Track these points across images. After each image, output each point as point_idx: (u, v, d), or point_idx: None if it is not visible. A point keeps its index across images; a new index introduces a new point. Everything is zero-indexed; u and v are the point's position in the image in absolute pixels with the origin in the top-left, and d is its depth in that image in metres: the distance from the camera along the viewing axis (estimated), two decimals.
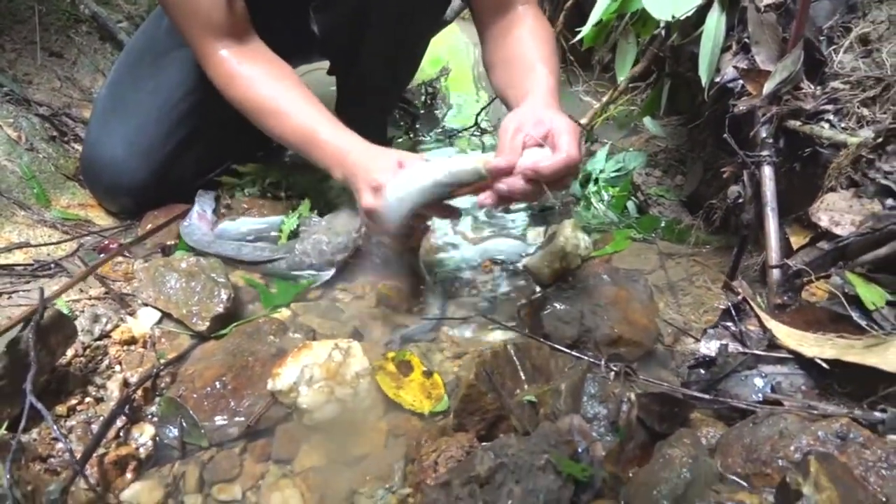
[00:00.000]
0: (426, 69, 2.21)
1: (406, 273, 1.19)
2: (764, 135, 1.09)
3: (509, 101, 1.16)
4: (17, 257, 1.15)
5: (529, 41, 1.19)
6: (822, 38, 1.11)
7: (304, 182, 1.42)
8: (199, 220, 1.29)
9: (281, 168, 1.44)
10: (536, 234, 1.33)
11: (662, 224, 1.42)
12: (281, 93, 1.15)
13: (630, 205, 1.48)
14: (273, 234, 1.29)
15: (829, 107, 1.05)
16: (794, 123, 1.07)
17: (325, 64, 1.50)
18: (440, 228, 1.42)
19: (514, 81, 1.16)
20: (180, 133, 1.31)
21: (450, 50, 2.52)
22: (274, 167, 1.44)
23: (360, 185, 1.05)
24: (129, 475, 0.84)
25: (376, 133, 1.58)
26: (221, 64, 1.16)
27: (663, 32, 1.53)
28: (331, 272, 1.20)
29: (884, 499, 0.71)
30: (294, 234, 1.26)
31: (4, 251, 1.15)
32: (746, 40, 1.15)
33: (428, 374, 0.99)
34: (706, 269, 1.26)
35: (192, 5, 1.11)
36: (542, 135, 0.92)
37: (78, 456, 0.78)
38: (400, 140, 1.89)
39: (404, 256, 1.19)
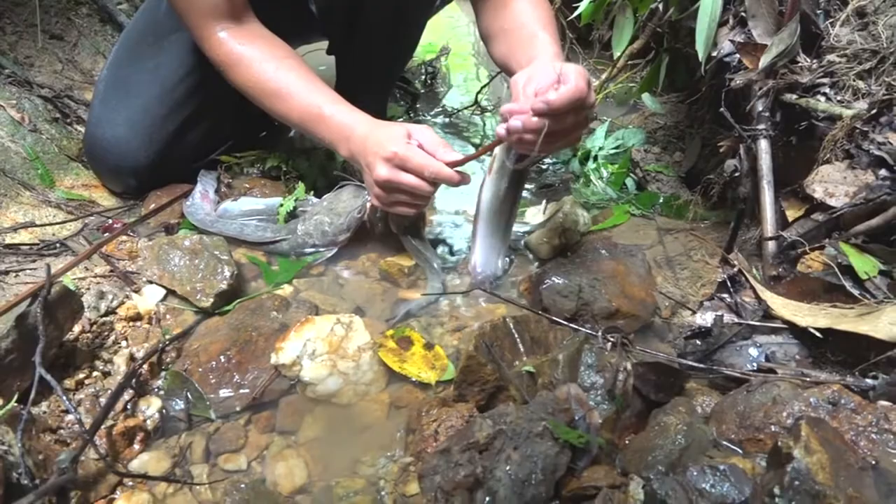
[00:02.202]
0: (426, 49, 2.21)
1: (409, 246, 1.21)
2: (760, 108, 1.10)
3: (512, 69, 1.15)
4: (23, 237, 1.16)
5: (529, 10, 1.20)
6: (818, 11, 1.11)
7: (304, 165, 1.43)
8: (201, 199, 1.30)
9: (281, 151, 1.45)
10: (536, 211, 1.33)
11: (661, 200, 1.43)
12: (283, 72, 1.15)
13: (629, 181, 1.49)
14: (274, 215, 1.30)
15: (826, 80, 1.06)
16: (791, 97, 1.08)
17: (325, 44, 1.50)
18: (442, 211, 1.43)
19: (517, 50, 1.16)
20: (182, 113, 1.31)
21: (450, 29, 2.52)
22: (275, 150, 1.44)
23: (369, 158, 1.06)
24: (136, 446, 0.87)
25: (377, 113, 1.59)
26: (220, 45, 1.16)
27: (661, 7, 1.53)
28: (334, 250, 1.21)
29: (873, 461, 0.73)
30: (292, 216, 1.27)
31: (10, 231, 1.16)
32: (743, 14, 1.15)
33: (429, 346, 1.01)
34: (704, 243, 1.27)
35: None
36: (554, 79, 0.90)
37: (87, 426, 0.80)
38: (400, 119, 1.90)
39: (409, 230, 1.21)
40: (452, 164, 1.02)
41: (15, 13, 1.66)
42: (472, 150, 1.17)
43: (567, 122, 0.90)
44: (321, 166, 1.45)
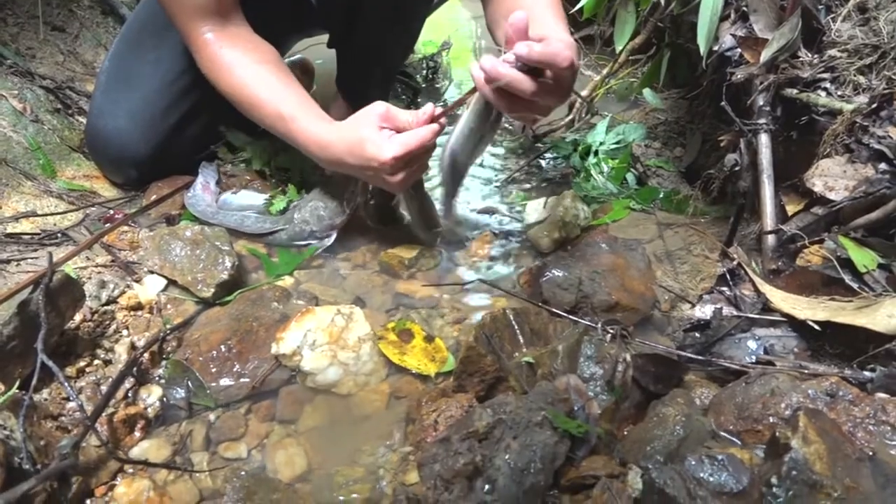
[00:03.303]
0: (428, 43, 2.21)
1: (416, 217, 1.23)
2: (761, 103, 1.10)
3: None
4: (25, 227, 1.17)
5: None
6: (819, 6, 1.12)
7: (288, 163, 1.42)
8: (202, 190, 1.30)
9: (268, 148, 1.44)
10: (537, 205, 1.34)
11: (661, 195, 1.43)
12: (258, 78, 1.14)
13: (629, 176, 1.49)
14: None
15: (826, 75, 1.06)
16: (791, 91, 1.08)
17: (326, 38, 1.50)
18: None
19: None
20: (183, 105, 1.32)
21: (451, 24, 2.51)
22: (262, 148, 1.43)
23: (368, 172, 1.08)
24: (137, 433, 0.87)
25: None
26: (205, 47, 1.15)
27: (662, 2, 1.53)
28: (332, 237, 1.21)
29: (870, 452, 0.73)
30: (284, 210, 1.28)
31: (12, 220, 1.16)
32: (745, 8, 1.15)
33: (429, 339, 1.01)
34: (704, 238, 1.27)
35: None
36: (538, 37, 0.92)
37: (89, 413, 0.80)
38: None
39: (412, 201, 1.22)
40: (436, 117, 1.04)
41: (17, 4, 1.66)
42: None
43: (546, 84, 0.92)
44: (306, 161, 1.43)
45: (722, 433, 0.81)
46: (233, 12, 1.17)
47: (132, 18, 1.44)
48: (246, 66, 1.15)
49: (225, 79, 1.16)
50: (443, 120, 1.05)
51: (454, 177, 1.12)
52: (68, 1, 1.79)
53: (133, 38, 1.36)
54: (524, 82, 0.90)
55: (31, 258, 1.09)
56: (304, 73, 1.84)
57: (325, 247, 1.21)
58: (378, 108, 1.06)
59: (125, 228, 1.20)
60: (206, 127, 1.37)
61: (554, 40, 0.91)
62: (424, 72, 2.13)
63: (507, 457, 0.73)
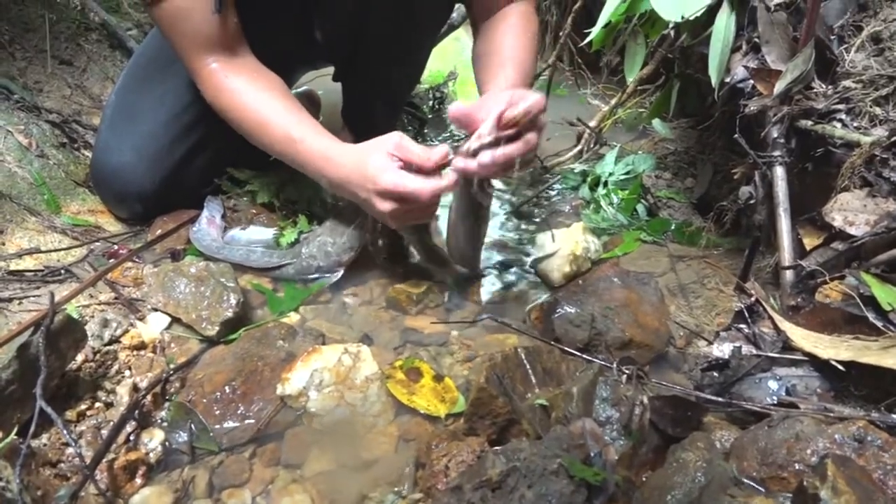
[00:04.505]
0: (434, 74, 2.21)
1: (422, 256, 1.22)
2: (775, 135, 1.08)
3: (482, 94, 1.18)
4: (28, 263, 1.15)
5: (509, 38, 1.22)
6: (833, 37, 1.10)
7: (295, 195, 1.41)
8: (208, 225, 1.29)
9: (275, 181, 1.43)
10: (546, 238, 1.32)
11: (673, 227, 1.41)
12: (265, 103, 1.14)
13: (640, 208, 1.47)
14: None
15: (841, 106, 1.04)
16: (806, 123, 1.06)
17: (331, 70, 1.50)
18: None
19: (488, 77, 1.19)
20: (189, 139, 1.31)
21: (457, 54, 2.52)
22: (268, 181, 1.42)
23: (363, 195, 1.06)
24: (138, 480, 0.84)
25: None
26: (211, 77, 1.15)
27: (672, 33, 1.52)
28: (339, 273, 1.19)
29: None
30: (295, 242, 1.26)
31: (15, 257, 1.15)
32: (756, 40, 1.14)
33: (438, 378, 0.99)
34: (718, 271, 1.25)
35: (184, 20, 1.10)
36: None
37: (88, 461, 0.78)
38: None
39: (419, 242, 1.20)
40: (442, 164, 1.02)
41: (25, 39, 1.66)
42: None
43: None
44: (314, 192, 1.42)
45: (745, 480, 0.78)
46: (238, 45, 1.16)
47: (139, 52, 1.44)
48: (253, 92, 1.14)
49: (231, 105, 1.15)
50: (451, 175, 1.02)
51: (467, 247, 1.16)
52: (76, 35, 1.80)
53: (139, 72, 1.36)
54: (497, 162, 0.96)
55: (34, 296, 1.07)
56: (310, 104, 1.84)
57: (331, 282, 1.19)
58: (393, 137, 1.05)
59: (129, 264, 1.18)
60: (211, 161, 1.36)
61: (512, 94, 0.97)
62: (431, 102, 2.13)
63: None
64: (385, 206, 1.04)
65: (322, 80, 1.79)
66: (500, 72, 1.17)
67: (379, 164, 1.02)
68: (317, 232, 1.24)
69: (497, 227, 1.47)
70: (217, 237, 1.27)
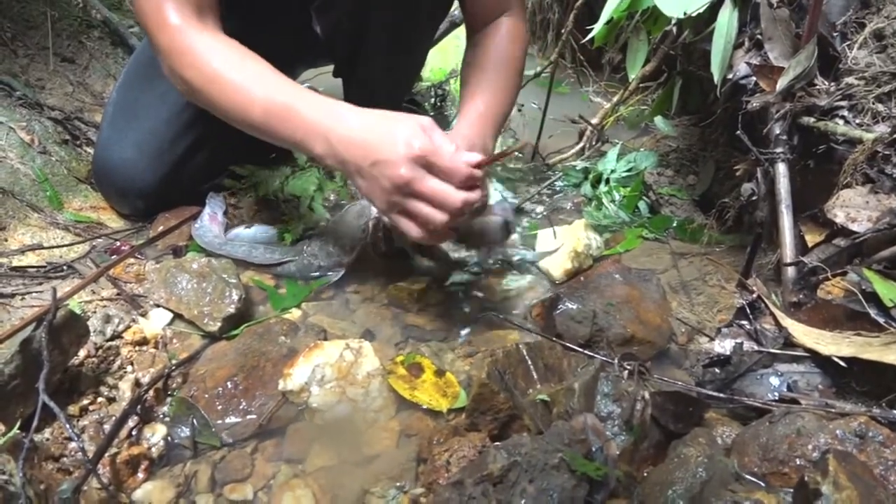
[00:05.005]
0: (435, 72, 2.21)
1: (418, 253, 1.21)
2: (778, 131, 1.08)
3: (459, 107, 1.19)
4: (30, 259, 1.15)
5: (492, 53, 1.24)
6: (835, 33, 1.10)
7: (306, 189, 1.41)
8: (210, 221, 1.29)
9: (283, 172, 1.42)
10: (548, 235, 1.32)
11: (674, 223, 1.41)
12: (242, 63, 0.99)
13: (642, 205, 1.47)
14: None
15: (844, 103, 1.04)
16: (808, 120, 1.06)
17: (331, 67, 1.50)
18: None
19: (462, 92, 1.21)
20: (191, 135, 1.31)
21: (458, 52, 2.52)
22: (277, 172, 1.42)
23: (380, 156, 0.90)
24: (140, 475, 0.84)
25: None
26: (172, 32, 1.00)
27: (675, 30, 1.52)
28: (340, 273, 1.19)
29: None
30: (298, 240, 1.27)
31: (17, 253, 1.15)
32: (759, 36, 1.14)
33: (440, 373, 0.99)
34: (719, 268, 1.24)
35: None
36: None
37: (90, 455, 0.78)
38: None
39: (423, 250, 1.20)
40: (478, 165, 0.92)
41: (27, 36, 1.67)
42: None
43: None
44: (318, 189, 1.42)
45: (746, 475, 0.78)
46: (210, 15, 1.05)
47: (140, 49, 1.44)
48: (223, 51, 1.01)
49: (193, 63, 1.00)
50: (476, 195, 0.93)
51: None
52: (78, 32, 1.80)
53: (141, 69, 1.36)
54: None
55: (37, 292, 1.07)
56: None
57: (333, 280, 1.19)
58: (423, 119, 0.93)
59: (131, 261, 1.18)
60: (212, 157, 1.36)
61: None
62: (433, 99, 2.13)
63: (522, 502, 0.70)
64: (404, 170, 0.88)
65: (322, 78, 1.79)
66: (469, 99, 1.16)
67: (414, 129, 0.89)
68: (319, 231, 1.24)
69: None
70: (219, 234, 1.27)
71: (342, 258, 1.19)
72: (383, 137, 0.90)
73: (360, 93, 1.47)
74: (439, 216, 0.91)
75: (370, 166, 0.91)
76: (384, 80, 1.46)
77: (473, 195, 0.92)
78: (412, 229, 0.95)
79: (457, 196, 0.90)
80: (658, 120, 1.64)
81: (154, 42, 1.05)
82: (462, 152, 0.92)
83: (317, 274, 1.20)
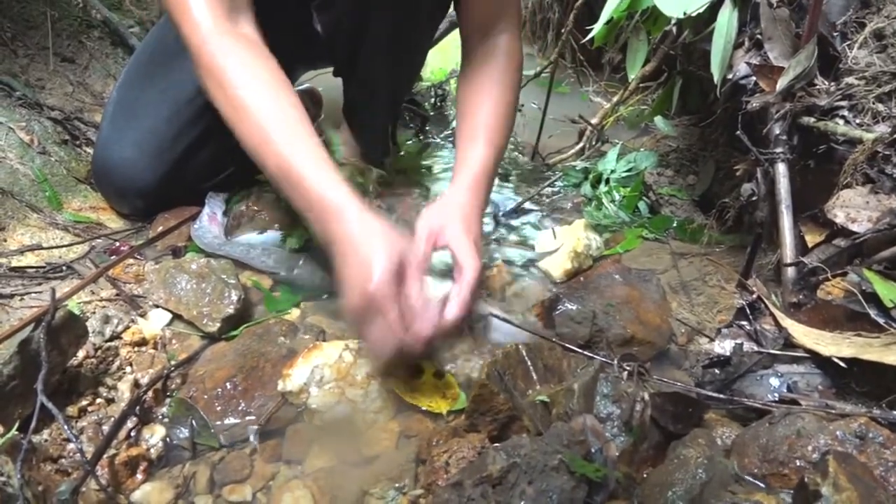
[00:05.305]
0: (435, 72, 2.21)
1: None
2: (777, 132, 1.08)
3: (456, 153, 1.18)
4: (29, 259, 1.15)
5: (488, 99, 1.19)
6: (835, 33, 1.10)
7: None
8: (209, 222, 1.29)
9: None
10: (548, 235, 1.32)
11: (674, 224, 1.41)
12: (271, 102, 0.96)
13: (642, 205, 1.47)
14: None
15: (844, 103, 1.04)
16: (809, 120, 1.06)
17: (331, 68, 1.50)
18: None
19: (461, 142, 1.18)
20: (191, 134, 1.31)
21: (458, 52, 2.52)
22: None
23: (347, 270, 0.88)
24: (139, 476, 0.84)
25: (383, 134, 1.58)
26: (204, 44, 0.98)
27: (674, 30, 1.52)
28: (325, 296, 1.18)
29: None
30: (299, 250, 1.25)
31: (16, 254, 1.15)
32: (759, 36, 1.14)
33: (439, 374, 0.99)
34: (719, 268, 1.24)
35: None
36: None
37: (89, 456, 0.78)
38: (410, 142, 1.89)
39: None
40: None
41: (27, 36, 1.66)
42: None
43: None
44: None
45: (746, 476, 0.78)
46: (243, 10, 1.03)
47: (140, 49, 1.44)
48: (256, 83, 0.98)
49: (225, 91, 0.98)
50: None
51: None
52: (78, 32, 1.80)
53: (141, 68, 1.36)
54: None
55: (36, 293, 1.07)
56: (312, 102, 1.83)
57: (324, 297, 1.18)
58: (403, 252, 0.89)
59: (131, 261, 1.18)
60: (213, 157, 1.36)
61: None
62: (433, 99, 2.13)
63: (522, 503, 0.70)
64: (353, 298, 0.87)
65: (322, 78, 1.79)
66: (466, 153, 1.13)
67: (381, 264, 0.85)
68: (308, 256, 1.21)
69: (499, 223, 1.47)
70: (219, 234, 1.27)
71: (331, 287, 1.16)
72: (363, 260, 0.86)
73: (360, 93, 1.47)
74: (385, 346, 0.88)
75: (346, 270, 0.89)
76: (384, 80, 1.45)
77: (428, 333, 0.88)
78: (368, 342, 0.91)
79: (409, 334, 0.86)
80: (658, 120, 1.63)
81: (183, 39, 1.01)
82: (431, 310, 0.89)
83: (308, 290, 1.19)
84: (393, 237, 0.89)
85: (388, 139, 1.64)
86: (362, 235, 0.88)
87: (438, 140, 1.95)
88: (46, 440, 0.82)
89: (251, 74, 0.97)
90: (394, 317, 0.84)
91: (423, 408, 0.94)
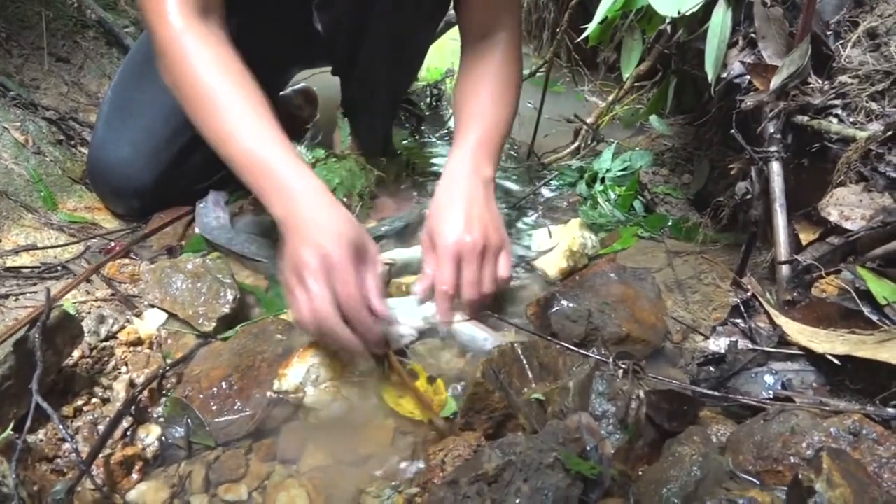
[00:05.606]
0: (431, 71, 2.21)
1: None
2: (772, 130, 1.08)
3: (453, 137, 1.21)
4: (24, 260, 1.15)
5: (484, 90, 1.22)
6: (829, 32, 1.10)
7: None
8: (214, 205, 1.30)
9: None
10: (543, 234, 1.32)
11: (670, 222, 1.41)
12: (236, 92, 0.99)
13: (637, 204, 1.47)
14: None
15: (838, 101, 1.04)
16: (802, 118, 1.07)
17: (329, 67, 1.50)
18: None
19: (458, 125, 1.21)
20: (187, 133, 1.30)
21: (454, 52, 2.52)
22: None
23: (298, 236, 0.90)
24: (134, 475, 0.84)
25: (382, 133, 1.58)
26: (174, 37, 1.00)
27: (669, 29, 1.53)
28: None
29: None
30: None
31: (11, 254, 1.15)
32: (753, 35, 1.14)
33: (431, 380, 0.98)
34: (714, 266, 1.25)
35: None
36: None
37: (84, 456, 0.78)
38: (405, 141, 1.89)
39: None
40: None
41: (22, 36, 1.66)
42: None
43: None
44: (341, 183, 1.39)
45: (741, 473, 0.78)
46: (213, 9, 1.05)
47: (135, 48, 1.44)
48: (222, 74, 1.00)
49: (192, 81, 1.00)
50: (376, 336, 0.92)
51: None
52: (73, 32, 1.80)
53: (136, 68, 1.36)
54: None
55: (31, 292, 1.07)
56: (307, 101, 1.83)
57: None
58: (368, 245, 0.94)
59: (126, 261, 1.18)
60: (209, 156, 1.34)
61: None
62: (428, 99, 2.13)
63: (517, 501, 0.70)
64: (306, 255, 0.88)
65: (320, 77, 1.79)
66: (458, 144, 1.16)
67: (329, 239, 0.88)
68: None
69: None
70: (220, 216, 1.27)
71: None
72: (314, 228, 0.89)
73: (359, 92, 1.47)
74: (307, 313, 0.88)
75: (289, 238, 0.92)
76: (384, 80, 1.46)
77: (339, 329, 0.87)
78: (294, 303, 0.91)
79: (329, 312, 0.86)
80: (653, 119, 1.64)
81: (153, 35, 1.04)
82: (371, 294, 0.91)
83: None
84: (354, 222, 0.93)
85: (388, 138, 1.65)
86: (327, 210, 0.92)
87: (434, 139, 1.95)
88: (42, 440, 0.82)
89: (217, 69, 1.00)
90: (327, 292, 0.86)
91: (406, 415, 0.93)
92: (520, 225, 1.44)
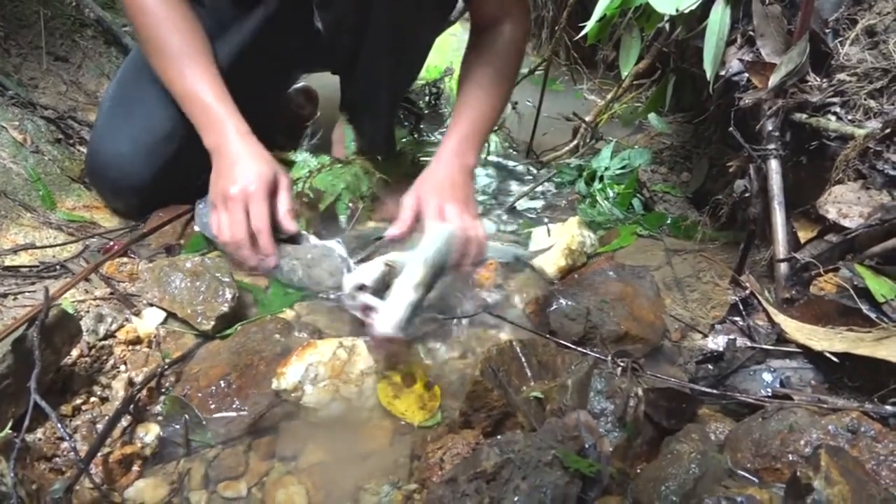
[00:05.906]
0: (430, 69, 2.21)
1: None
2: (770, 128, 1.08)
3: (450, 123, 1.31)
4: (23, 259, 1.15)
5: (480, 80, 1.30)
6: (827, 30, 1.10)
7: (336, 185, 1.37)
8: None
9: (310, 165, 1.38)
10: (542, 232, 1.32)
11: (668, 221, 1.41)
12: (188, 40, 1.19)
13: (636, 202, 1.48)
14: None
15: (836, 99, 1.04)
16: (801, 116, 1.07)
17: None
18: None
19: (453, 112, 1.32)
20: (186, 131, 1.30)
21: (453, 50, 2.52)
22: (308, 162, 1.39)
23: (224, 173, 1.14)
24: (133, 473, 0.84)
25: (382, 132, 1.58)
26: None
27: (667, 27, 1.53)
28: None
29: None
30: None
31: (10, 253, 1.15)
32: (751, 33, 1.14)
33: (429, 386, 0.98)
34: (713, 264, 1.25)
35: None
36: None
37: (82, 454, 0.78)
38: (404, 139, 1.89)
39: None
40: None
41: (20, 35, 1.66)
42: None
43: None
44: (347, 187, 1.39)
45: (739, 471, 0.79)
46: None
47: (136, 47, 1.43)
48: (176, 24, 1.19)
49: (147, 24, 1.20)
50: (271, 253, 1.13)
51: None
52: (71, 31, 1.79)
53: (137, 66, 1.35)
54: None
55: (29, 292, 1.07)
56: (308, 100, 1.83)
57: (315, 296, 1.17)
58: (283, 179, 1.17)
59: (125, 260, 1.18)
60: (208, 153, 1.35)
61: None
62: (427, 98, 2.13)
63: (516, 499, 0.70)
64: (232, 189, 1.11)
65: (320, 76, 1.79)
66: (452, 127, 1.28)
67: (263, 178, 1.12)
68: (295, 253, 1.17)
69: (493, 220, 1.47)
70: None
71: (321, 284, 1.16)
72: (233, 169, 1.14)
73: (360, 92, 1.47)
74: (225, 232, 1.13)
75: (216, 173, 1.17)
76: (385, 80, 1.46)
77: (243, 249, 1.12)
78: (216, 221, 1.15)
79: (241, 232, 1.11)
80: (652, 117, 1.64)
81: None
82: (280, 216, 1.15)
83: (296, 286, 1.17)
84: (270, 160, 1.17)
85: (391, 138, 1.65)
86: (249, 150, 1.15)
87: (433, 138, 1.95)
88: (40, 439, 0.82)
89: (172, 23, 1.20)
90: (242, 217, 1.11)
91: (398, 416, 0.93)
92: (519, 223, 1.44)
